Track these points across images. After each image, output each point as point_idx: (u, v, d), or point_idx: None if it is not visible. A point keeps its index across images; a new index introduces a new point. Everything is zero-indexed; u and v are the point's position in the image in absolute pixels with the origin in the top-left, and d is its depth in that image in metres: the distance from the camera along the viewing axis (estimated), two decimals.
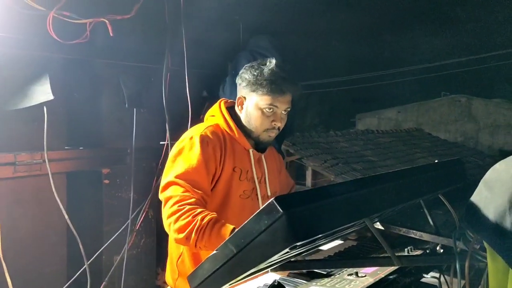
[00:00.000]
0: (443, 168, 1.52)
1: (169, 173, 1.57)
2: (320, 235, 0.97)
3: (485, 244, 1.12)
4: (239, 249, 0.88)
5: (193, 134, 1.64)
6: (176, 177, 1.53)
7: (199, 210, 1.44)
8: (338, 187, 1.04)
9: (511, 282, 1.02)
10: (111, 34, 2.28)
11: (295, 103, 1.75)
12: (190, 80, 2.54)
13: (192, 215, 1.42)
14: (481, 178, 1.22)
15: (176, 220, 1.44)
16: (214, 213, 1.45)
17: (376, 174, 1.21)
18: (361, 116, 7.73)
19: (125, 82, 2.71)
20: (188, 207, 1.45)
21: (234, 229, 1.36)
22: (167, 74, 2.63)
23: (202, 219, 1.40)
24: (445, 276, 1.41)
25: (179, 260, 1.70)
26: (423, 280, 1.53)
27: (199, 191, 1.52)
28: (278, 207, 0.81)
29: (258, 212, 0.84)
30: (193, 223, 1.40)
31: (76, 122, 2.74)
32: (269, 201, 0.82)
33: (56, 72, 2.42)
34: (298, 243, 0.86)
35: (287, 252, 0.90)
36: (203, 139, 1.61)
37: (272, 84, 1.62)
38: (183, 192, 1.50)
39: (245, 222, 0.88)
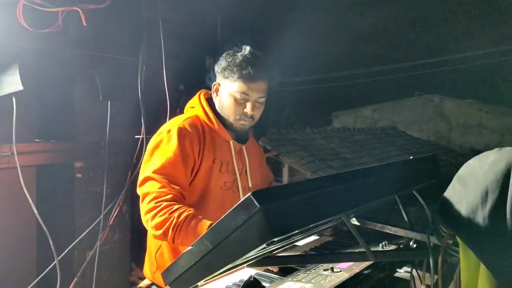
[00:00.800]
0: (418, 164, 1.54)
1: (146, 168, 1.55)
2: (297, 231, 0.97)
3: (458, 239, 1.14)
4: (215, 245, 0.87)
5: (170, 127, 1.62)
6: (153, 172, 1.52)
7: (176, 206, 1.43)
8: (315, 182, 1.04)
9: (482, 277, 1.03)
10: (84, 24, 2.21)
11: (272, 94, 1.74)
12: (167, 73, 2.50)
13: (169, 212, 1.41)
14: (453, 175, 1.24)
15: (154, 217, 1.43)
16: (191, 209, 1.44)
17: (352, 169, 1.21)
18: (338, 114, 7.80)
19: (99, 73, 2.64)
20: (165, 203, 1.44)
21: (211, 224, 1.35)
22: (143, 67, 2.58)
23: (179, 216, 1.39)
24: (418, 271, 1.43)
25: (157, 253, 1.68)
26: (396, 274, 1.55)
27: (177, 187, 1.50)
28: (255, 202, 0.80)
29: (234, 207, 0.83)
30: (170, 220, 1.40)
31: (47, 114, 2.66)
32: (246, 196, 0.81)
33: (26, 62, 2.34)
34: (275, 239, 0.85)
35: (264, 247, 0.89)
36: (181, 132, 1.59)
37: (244, 70, 1.60)
38: (160, 188, 1.49)
39: (221, 217, 0.86)
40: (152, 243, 1.72)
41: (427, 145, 6.69)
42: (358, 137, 6.37)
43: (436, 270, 1.17)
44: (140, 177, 1.55)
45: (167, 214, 1.41)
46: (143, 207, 1.49)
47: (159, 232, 1.42)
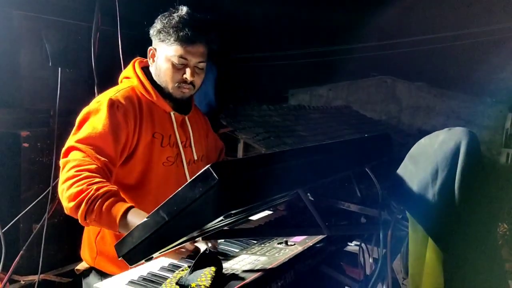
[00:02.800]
0: (372, 142, 1.59)
1: (71, 139, 1.41)
2: (254, 204, 0.97)
3: (407, 215, 1.19)
4: (172, 217, 0.86)
5: (101, 99, 1.48)
6: (78, 141, 1.38)
7: (97, 179, 1.29)
8: (274, 157, 1.04)
9: (429, 250, 1.09)
10: None
11: (230, 69, 1.68)
12: (122, 42, 2.40)
13: (88, 183, 1.27)
14: (401, 154, 1.29)
15: (70, 187, 1.28)
16: (115, 186, 1.32)
17: (310, 145, 1.23)
18: (294, 92, 7.87)
19: (49, 38, 2.50)
20: (86, 173, 1.29)
21: (130, 207, 1.25)
22: (96, 33, 2.46)
23: (98, 189, 1.25)
24: (366, 245, 1.49)
25: (98, 237, 1.56)
26: (346, 248, 1.60)
27: (102, 158, 1.36)
28: (214, 174, 0.79)
29: (193, 179, 0.82)
30: (87, 191, 1.25)
31: None
32: (205, 168, 0.80)
33: None
34: (233, 211, 0.85)
35: (221, 220, 0.89)
36: (112, 104, 1.45)
37: (181, 32, 1.48)
38: (83, 157, 1.35)
39: (179, 189, 0.85)
40: (91, 227, 1.57)
41: (378, 125, 6.91)
42: (313, 115, 6.47)
43: (385, 244, 1.22)
44: (64, 148, 1.41)
45: (85, 185, 1.26)
46: (62, 175, 1.33)
47: (71, 204, 1.27)
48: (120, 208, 1.24)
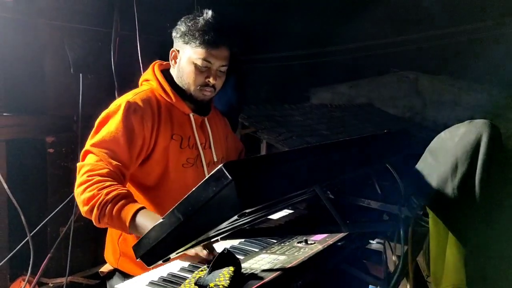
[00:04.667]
0: (391, 138, 1.56)
1: (87, 142, 1.45)
2: (269, 202, 0.96)
3: (428, 210, 1.17)
4: (187, 217, 0.86)
5: (120, 101, 1.51)
6: (92, 145, 1.41)
7: (108, 183, 1.31)
8: (288, 155, 1.04)
9: (451, 246, 1.06)
10: None
11: (250, 70, 1.68)
12: (142, 46, 2.43)
13: (99, 187, 1.30)
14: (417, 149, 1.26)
15: (83, 191, 1.32)
16: (125, 188, 1.33)
17: (326, 142, 1.21)
18: (315, 91, 7.81)
19: (70, 45, 2.56)
20: (97, 178, 1.33)
21: (140, 209, 1.26)
22: (116, 39, 2.50)
23: (108, 193, 1.28)
24: (390, 242, 1.46)
25: (120, 238, 1.59)
26: (368, 246, 1.58)
27: (115, 162, 1.38)
28: (227, 174, 0.79)
29: (206, 179, 0.82)
30: (97, 196, 1.29)
31: (16, 86, 2.57)
32: (218, 167, 0.80)
33: None
34: (247, 210, 0.85)
35: (236, 219, 0.89)
36: (130, 107, 1.47)
37: (206, 35, 1.50)
38: (96, 161, 1.37)
39: (193, 189, 0.85)
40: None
41: (401, 122, 6.79)
42: (335, 114, 6.41)
43: (406, 241, 1.20)
44: (81, 152, 1.44)
45: (96, 190, 1.29)
46: (77, 180, 1.37)
47: (85, 208, 1.30)
48: (129, 210, 1.26)
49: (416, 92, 6.88)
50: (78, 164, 1.41)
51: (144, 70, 2.42)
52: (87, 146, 1.42)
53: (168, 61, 1.66)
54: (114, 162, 1.39)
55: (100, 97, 2.72)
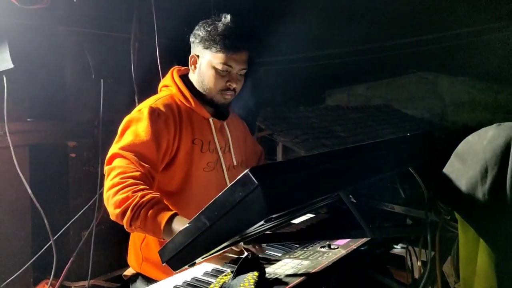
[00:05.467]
0: (414, 141, 1.54)
1: (115, 146, 1.45)
2: (295, 207, 0.96)
3: (456, 215, 1.14)
4: (213, 222, 0.86)
5: (142, 106, 1.52)
6: (121, 148, 1.41)
7: (141, 186, 1.31)
8: (314, 159, 1.03)
9: (481, 252, 1.04)
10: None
11: (265, 72, 1.68)
12: (161, 51, 2.45)
13: (133, 190, 1.29)
14: (446, 153, 1.23)
15: (116, 193, 1.31)
16: (158, 193, 1.34)
17: (349, 146, 1.20)
18: (331, 92, 7.77)
19: (91, 51, 2.59)
20: (131, 180, 1.32)
21: (174, 215, 1.26)
22: (135, 44, 2.53)
23: (142, 196, 1.28)
24: (414, 247, 1.44)
25: (143, 244, 1.60)
26: (392, 251, 1.56)
27: (146, 165, 1.39)
28: (253, 179, 0.78)
29: (232, 184, 0.82)
30: (132, 198, 1.28)
31: (38, 92, 2.61)
32: (244, 172, 0.80)
33: (16, 39, 2.28)
34: (273, 215, 0.84)
35: (262, 224, 0.88)
36: (153, 112, 1.49)
37: (226, 40, 1.51)
38: (128, 163, 1.38)
39: (219, 194, 0.85)
40: (135, 233, 1.62)
41: (420, 123, 6.70)
42: (351, 115, 6.36)
43: (433, 246, 1.18)
44: (108, 155, 1.44)
45: (130, 192, 1.29)
46: (107, 182, 1.36)
47: (117, 210, 1.29)
48: (164, 215, 1.25)
49: (435, 93, 6.79)
50: (107, 168, 1.42)
51: (163, 75, 2.44)
52: (115, 149, 1.43)
53: (187, 65, 1.67)
54: (145, 165, 1.39)
55: (120, 102, 2.75)
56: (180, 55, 2.83)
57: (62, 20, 2.50)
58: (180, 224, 1.23)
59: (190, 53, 1.64)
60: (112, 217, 1.34)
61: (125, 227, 1.33)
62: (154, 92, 1.79)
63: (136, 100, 2.50)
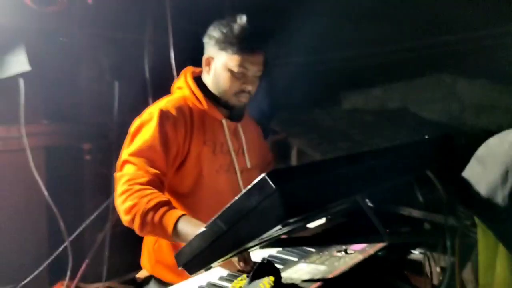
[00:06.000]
0: (433, 144, 1.50)
1: (125, 152, 1.46)
2: (313, 212, 0.94)
3: (476, 220, 1.12)
4: (229, 226, 0.85)
5: (153, 109, 1.52)
6: (130, 155, 1.42)
7: (148, 191, 1.33)
8: (331, 163, 1.01)
9: (501, 257, 1.01)
10: (89, 2, 2.17)
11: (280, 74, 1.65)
12: (174, 52, 2.46)
13: (140, 196, 1.32)
14: (465, 157, 1.21)
15: (124, 200, 1.34)
16: (165, 196, 1.35)
17: (367, 150, 1.18)
18: (347, 94, 7.70)
19: (106, 53, 2.61)
20: (138, 187, 1.34)
21: (181, 216, 1.26)
22: (149, 45, 2.54)
23: (149, 201, 1.30)
24: (432, 253, 1.41)
25: (155, 245, 1.61)
26: (410, 256, 1.53)
27: (154, 170, 1.40)
28: (271, 183, 0.77)
29: (249, 188, 0.81)
30: (139, 205, 1.30)
31: (54, 95, 2.64)
32: (261, 176, 0.78)
33: (33, 42, 2.31)
34: (291, 220, 0.83)
35: (279, 229, 0.87)
36: (163, 115, 1.48)
37: (243, 42, 1.49)
38: (136, 170, 1.39)
39: (235, 198, 0.84)
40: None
41: (438, 126, 6.60)
42: (367, 118, 6.29)
43: (453, 252, 1.15)
44: (118, 162, 1.46)
45: (137, 199, 1.31)
46: (117, 189, 1.40)
47: (128, 217, 1.32)
48: (171, 218, 1.26)
49: (454, 96, 6.68)
50: (118, 174, 1.43)
51: (177, 76, 2.45)
52: (125, 155, 1.44)
53: (200, 67, 1.66)
54: (153, 170, 1.40)
55: (134, 104, 2.76)
56: (193, 57, 2.84)
57: (78, 23, 2.52)
58: (187, 225, 1.23)
59: (202, 55, 1.64)
60: (125, 224, 1.37)
61: (137, 233, 1.35)
62: (168, 93, 1.80)
63: (150, 102, 2.51)
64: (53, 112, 2.66)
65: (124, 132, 2.40)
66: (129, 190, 1.34)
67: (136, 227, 1.32)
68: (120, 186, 1.38)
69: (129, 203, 1.32)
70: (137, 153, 1.42)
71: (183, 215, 1.27)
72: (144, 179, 1.37)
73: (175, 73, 2.43)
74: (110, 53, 2.64)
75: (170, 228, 1.24)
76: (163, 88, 2.50)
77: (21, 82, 2.18)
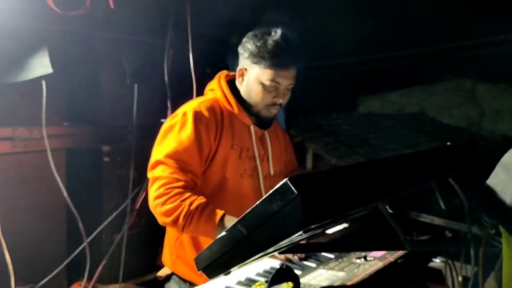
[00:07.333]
0: (457, 150, 1.48)
1: (158, 151, 1.49)
2: (334, 218, 0.93)
3: (501, 229, 1.09)
4: (250, 231, 0.84)
5: (186, 110, 1.54)
6: (166, 156, 1.45)
7: (187, 194, 1.39)
8: (352, 169, 1.00)
9: None
10: (111, 6, 2.19)
11: (298, 80, 1.64)
12: (194, 56, 2.47)
13: (180, 199, 1.38)
14: (485, 162, 1.18)
15: (163, 203, 1.39)
16: (203, 197, 1.40)
17: (388, 156, 1.17)
18: (364, 99, 7.63)
19: (126, 56, 2.63)
20: (176, 190, 1.40)
21: (224, 215, 1.35)
22: (169, 50, 2.55)
23: (190, 204, 1.36)
24: (453, 262, 1.38)
25: (177, 242, 1.63)
26: (431, 264, 1.50)
27: (189, 174, 1.45)
28: (293, 188, 0.77)
29: (271, 193, 0.80)
30: (181, 207, 1.36)
31: (75, 97, 2.68)
32: (283, 181, 0.78)
33: (55, 45, 2.34)
34: (312, 226, 0.82)
35: (300, 234, 0.86)
36: (196, 116, 1.51)
37: (276, 58, 1.50)
38: (171, 173, 1.43)
39: (256, 202, 0.84)
40: (171, 231, 1.67)
41: (457, 132, 6.49)
42: (385, 123, 6.24)
43: (477, 261, 1.12)
44: (151, 160, 1.49)
45: (177, 201, 1.38)
46: (152, 192, 1.44)
47: (168, 219, 1.39)
48: (215, 217, 1.34)
49: (473, 101, 6.56)
50: (151, 176, 1.47)
51: (196, 81, 2.46)
52: (159, 156, 1.47)
53: (223, 69, 1.70)
54: (188, 174, 1.45)
55: (154, 107, 2.79)
56: (213, 60, 2.86)
57: (100, 26, 2.55)
58: (231, 223, 1.25)
59: (223, 58, 1.66)
60: (161, 224, 1.45)
61: (177, 231, 1.52)
62: (188, 97, 1.81)
63: (168, 106, 2.52)
64: (74, 114, 2.70)
65: (143, 135, 2.42)
66: (167, 194, 1.40)
67: (178, 227, 1.39)
68: (155, 190, 1.43)
69: (169, 206, 1.38)
70: (172, 155, 1.46)
71: (225, 214, 1.36)
72: (181, 183, 1.42)
73: (194, 77, 2.44)
74: (131, 56, 2.66)
75: (216, 227, 1.33)
76: (182, 91, 2.53)
77: (44, 84, 2.21)
